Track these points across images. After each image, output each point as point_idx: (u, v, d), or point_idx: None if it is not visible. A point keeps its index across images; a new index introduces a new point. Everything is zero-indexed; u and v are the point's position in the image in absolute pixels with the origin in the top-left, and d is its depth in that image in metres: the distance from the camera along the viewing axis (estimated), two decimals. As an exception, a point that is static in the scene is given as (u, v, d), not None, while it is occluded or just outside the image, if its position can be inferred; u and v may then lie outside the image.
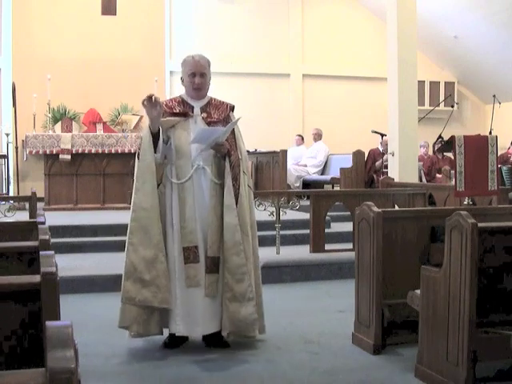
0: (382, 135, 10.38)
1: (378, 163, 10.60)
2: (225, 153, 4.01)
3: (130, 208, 4.01)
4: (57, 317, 2.05)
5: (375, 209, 4.05)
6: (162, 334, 4.09)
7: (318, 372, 3.67)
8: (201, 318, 3.98)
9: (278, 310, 4.70)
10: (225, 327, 4.01)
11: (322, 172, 11.72)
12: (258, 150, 11.32)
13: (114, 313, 5.00)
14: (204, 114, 4.12)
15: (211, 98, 4.21)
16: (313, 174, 11.63)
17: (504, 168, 9.94)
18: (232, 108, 4.25)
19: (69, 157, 9.61)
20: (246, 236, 4.02)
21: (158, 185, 4.00)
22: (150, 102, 3.89)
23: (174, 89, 12.50)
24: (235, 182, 4.01)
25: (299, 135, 12.40)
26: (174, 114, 4.09)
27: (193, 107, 4.14)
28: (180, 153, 4.02)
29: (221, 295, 3.99)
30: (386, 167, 9.82)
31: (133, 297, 3.88)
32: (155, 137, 3.95)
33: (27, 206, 6.43)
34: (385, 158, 10.15)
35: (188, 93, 4.16)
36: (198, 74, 4.07)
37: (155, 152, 3.95)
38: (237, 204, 3.98)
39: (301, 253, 6.84)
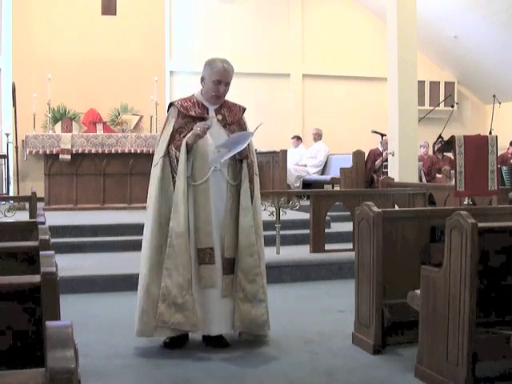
0: (382, 135, 10.38)
1: (377, 162, 10.60)
2: (245, 155, 4.04)
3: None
4: (57, 317, 2.05)
5: (375, 209, 4.05)
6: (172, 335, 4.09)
7: (317, 372, 3.67)
8: (216, 317, 4.01)
9: (277, 309, 4.70)
10: (236, 327, 4.05)
11: (322, 172, 11.72)
12: (258, 150, 11.27)
13: (114, 313, 5.02)
14: (219, 116, 4.14)
15: (224, 100, 4.21)
16: (313, 173, 11.63)
17: (504, 168, 9.95)
18: (244, 110, 4.27)
19: (69, 157, 9.60)
20: (259, 237, 4.08)
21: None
22: (204, 133, 3.93)
23: (174, 89, 12.51)
24: (251, 184, 4.06)
25: (295, 136, 12.36)
26: (190, 117, 4.09)
27: (207, 109, 4.14)
28: (197, 155, 4.02)
29: (233, 295, 4.03)
30: (386, 167, 9.82)
31: (166, 320, 3.91)
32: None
33: (27, 206, 6.43)
34: (384, 156, 10.15)
35: (205, 96, 4.15)
36: (223, 82, 4.06)
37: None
38: (252, 206, 4.02)
39: (301, 253, 6.84)
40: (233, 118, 4.16)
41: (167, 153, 4.01)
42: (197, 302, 3.96)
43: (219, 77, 4.04)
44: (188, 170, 3.98)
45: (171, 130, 4.07)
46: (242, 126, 4.20)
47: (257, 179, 4.15)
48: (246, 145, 3.96)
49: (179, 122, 4.09)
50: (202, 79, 4.15)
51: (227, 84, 4.09)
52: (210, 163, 4.01)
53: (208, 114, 4.13)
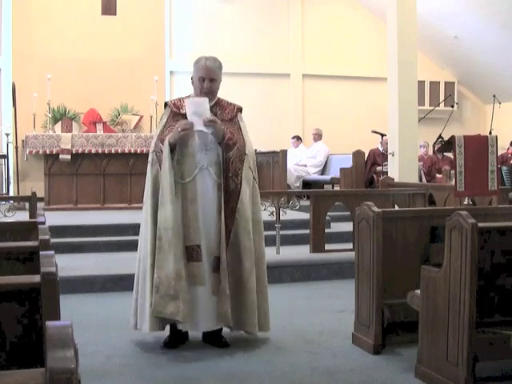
0: (382, 135, 10.37)
1: (378, 168, 10.60)
2: (221, 135, 3.99)
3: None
4: (57, 317, 2.05)
5: (375, 209, 4.05)
6: (163, 330, 4.10)
7: (317, 372, 3.67)
8: (204, 315, 4.01)
9: (277, 310, 4.70)
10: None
11: (322, 172, 11.72)
12: (258, 150, 11.29)
13: (113, 313, 5.02)
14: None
15: (219, 99, 4.23)
16: (313, 173, 11.63)
17: (504, 168, 9.95)
18: (240, 109, 4.27)
19: (69, 157, 9.60)
20: (247, 233, 4.04)
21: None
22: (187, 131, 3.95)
23: (174, 89, 12.50)
24: (236, 177, 4.04)
25: (295, 136, 12.35)
26: (181, 115, 4.11)
27: None
28: (185, 154, 4.04)
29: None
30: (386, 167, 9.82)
31: (161, 310, 3.92)
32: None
33: (27, 206, 6.42)
34: (385, 164, 10.12)
35: (197, 94, 4.17)
36: (207, 79, 4.09)
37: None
38: (237, 201, 4.00)
39: (301, 253, 6.84)
40: (224, 117, 4.16)
41: (155, 149, 4.06)
42: (186, 299, 3.94)
43: (202, 74, 4.09)
44: (174, 163, 3.96)
45: (162, 127, 4.12)
46: (235, 125, 4.19)
47: (248, 172, 4.11)
48: (207, 109, 3.97)
49: (170, 120, 4.14)
50: (192, 79, 4.21)
51: (212, 80, 4.10)
52: (197, 162, 4.00)
53: None
